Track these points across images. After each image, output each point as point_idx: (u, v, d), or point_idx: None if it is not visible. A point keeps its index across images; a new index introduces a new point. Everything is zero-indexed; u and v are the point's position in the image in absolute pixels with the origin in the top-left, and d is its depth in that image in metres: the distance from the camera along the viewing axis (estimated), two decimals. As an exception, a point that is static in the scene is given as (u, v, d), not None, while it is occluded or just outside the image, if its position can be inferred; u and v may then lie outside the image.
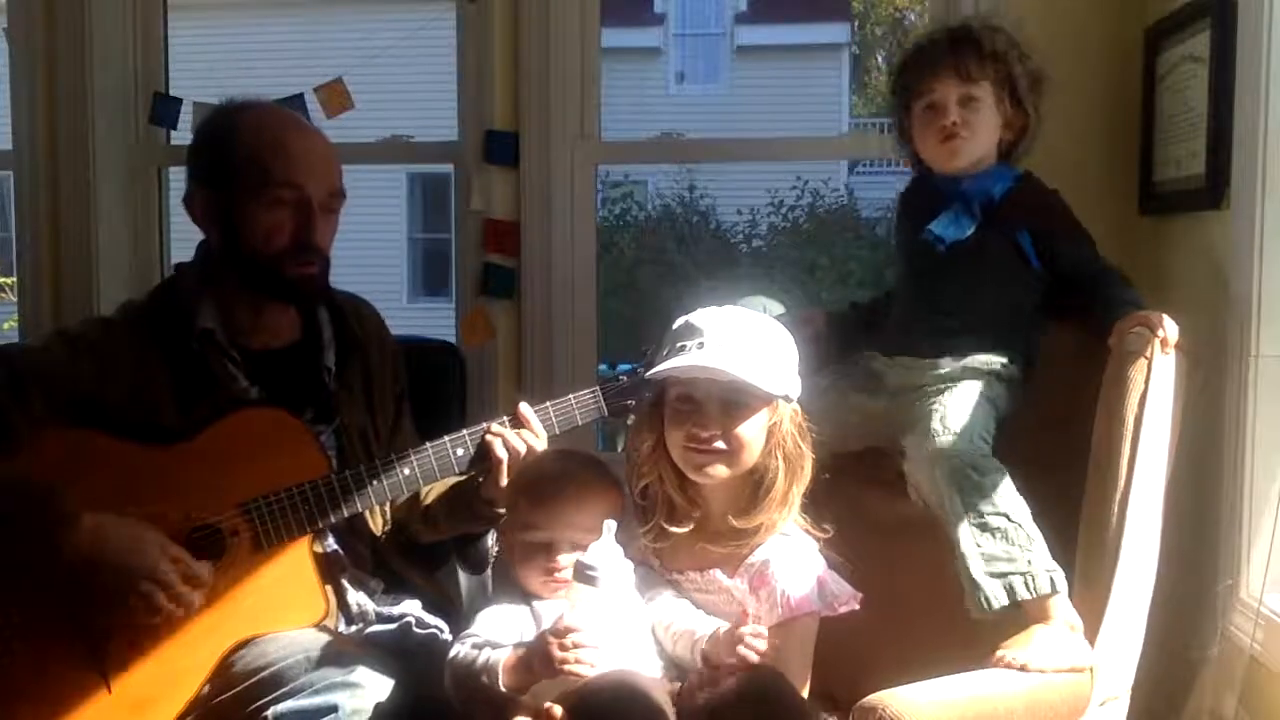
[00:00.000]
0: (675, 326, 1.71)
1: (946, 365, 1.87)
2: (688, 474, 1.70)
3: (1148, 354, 1.71)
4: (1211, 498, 1.94)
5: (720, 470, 1.67)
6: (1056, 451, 1.81)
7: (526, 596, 1.73)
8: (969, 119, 1.89)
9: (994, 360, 1.86)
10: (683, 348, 1.66)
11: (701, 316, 1.69)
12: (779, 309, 2.19)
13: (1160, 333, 1.71)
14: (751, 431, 1.67)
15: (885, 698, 1.47)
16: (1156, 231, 2.30)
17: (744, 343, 1.66)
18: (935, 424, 1.80)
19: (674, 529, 1.72)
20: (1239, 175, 1.90)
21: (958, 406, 1.82)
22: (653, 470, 1.73)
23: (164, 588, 1.70)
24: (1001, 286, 1.91)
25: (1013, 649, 1.63)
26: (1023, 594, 1.69)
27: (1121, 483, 1.67)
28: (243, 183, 1.88)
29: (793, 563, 1.67)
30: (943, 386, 1.85)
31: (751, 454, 1.67)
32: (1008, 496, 1.75)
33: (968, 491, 1.74)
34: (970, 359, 1.87)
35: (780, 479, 1.68)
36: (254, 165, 1.88)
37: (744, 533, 1.68)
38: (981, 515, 1.73)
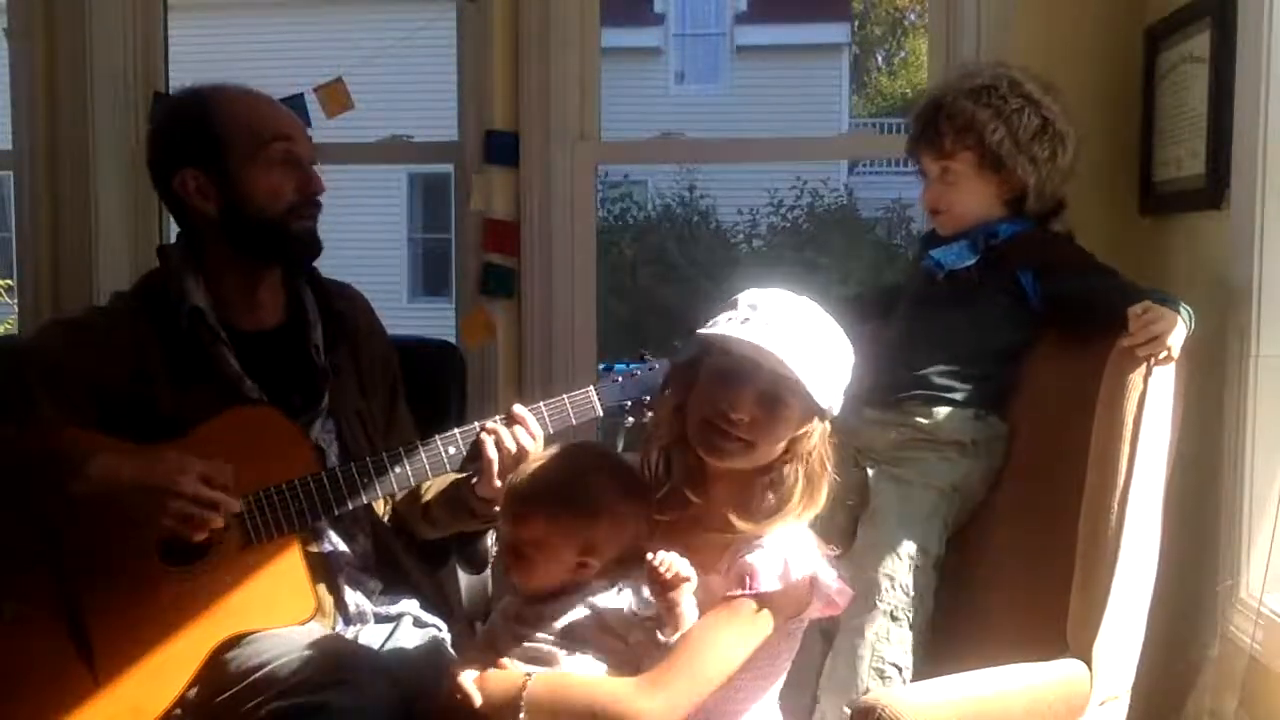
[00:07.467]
0: (740, 295, 1.56)
1: (901, 430, 1.89)
2: (698, 448, 1.57)
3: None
4: (1211, 498, 1.94)
5: (733, 459, 1.54)
6: (1056, 453, 1.81)
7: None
8: (945, 193, 1.96)
9: (956, 428, 1.88)
10: (745, 319, 1.51)
11: (770, 295, 1.54)
12: None
13: (1162, 353, 1.69)
14: (781, 433, 1.53)
15: (884, 697, 1.47)
16: (1156, 231, 2.30)
17: (807, 339, 1.51)
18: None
19: (691, 496, 1.59)
20: (1239, 175, 1.90)
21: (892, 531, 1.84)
22: (668, 434, 1.60)
23: (192, 498, 1.68)
24: (992, 325, 1.91)
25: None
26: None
27: (1121, 483, 1.67)
28: (237, 150, 1.90)
29: (773, 547, 1.53)
30: (885, 488, 1.87)
31: (769, 454, 1.54)
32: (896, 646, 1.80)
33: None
34: (934, 420, 1.88)
35: (796, 494, 1.54)
36: (244, 130, 1.91)
37: (740, 530, 1.54)
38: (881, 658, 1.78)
